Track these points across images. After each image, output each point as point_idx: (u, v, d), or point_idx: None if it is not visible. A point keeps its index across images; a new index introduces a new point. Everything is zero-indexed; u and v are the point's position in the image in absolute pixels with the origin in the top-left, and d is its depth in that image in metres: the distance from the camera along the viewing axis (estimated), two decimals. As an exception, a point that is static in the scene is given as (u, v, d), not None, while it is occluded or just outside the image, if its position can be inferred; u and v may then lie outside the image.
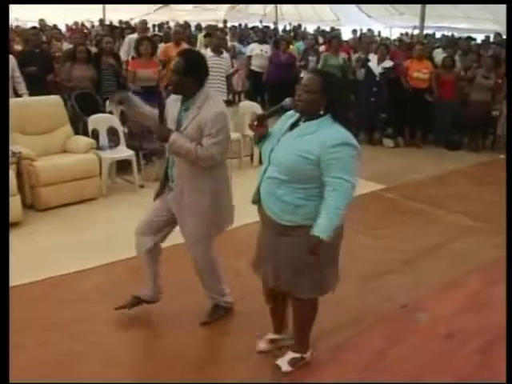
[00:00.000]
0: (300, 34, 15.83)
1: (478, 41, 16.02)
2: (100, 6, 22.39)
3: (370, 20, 27.39)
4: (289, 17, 27.12)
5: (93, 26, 20.66)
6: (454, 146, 10.07)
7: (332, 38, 11.62)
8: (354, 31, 18.36)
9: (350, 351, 4.01)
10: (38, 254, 5.33)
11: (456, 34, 21.78)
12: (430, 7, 21.65)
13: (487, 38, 19.66)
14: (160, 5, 28.11)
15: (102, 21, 18.37)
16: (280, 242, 3.40)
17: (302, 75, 11.05)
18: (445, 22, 24.31)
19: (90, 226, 6.01)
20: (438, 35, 22.54)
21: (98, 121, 7.22)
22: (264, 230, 3.57)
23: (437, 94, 9.84)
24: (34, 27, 11.29)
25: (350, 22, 25.91)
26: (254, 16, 28.06)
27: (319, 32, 18.46)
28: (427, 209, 6.93)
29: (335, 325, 4.26)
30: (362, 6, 26.27)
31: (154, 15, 26.37)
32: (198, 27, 18.43)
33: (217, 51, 8.66)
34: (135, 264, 4.37)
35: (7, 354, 2.66)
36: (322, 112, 3.24)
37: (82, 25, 19.77)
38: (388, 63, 10.09)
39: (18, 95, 8.12)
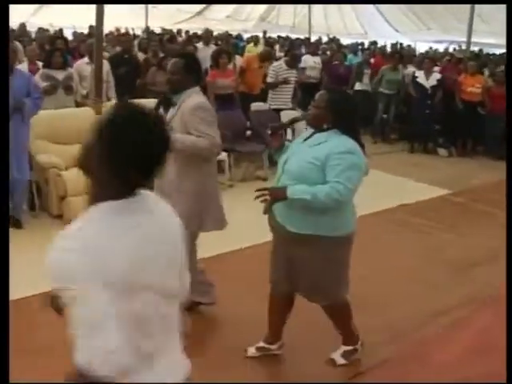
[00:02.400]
0: (351, 47, 16.46)
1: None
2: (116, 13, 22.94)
3: (396, 34, 27.97)
4: (318, 29, 27.73)
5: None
6: (503, 156, 10.66)
7: (394, 52, 12.29)
8: (394, 45, 18.95)
9: (463, 328, 4.63)
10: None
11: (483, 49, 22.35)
12: (459, 21, 22.31)
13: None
14: (192, 13, 28.85)
15: (147, 28, 19.02)
16: (294, 252, 3.57)
17: (356, 87, 11.75)
18: (473, 37, 24.96)
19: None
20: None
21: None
22: (275, 238, 3.74)
23: (489, 108, 10.48)
24: (127, 33, 11.86)
25: (376, 36, 26.51)
26: (283, 28, 28.71)
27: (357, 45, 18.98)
28: (495, 211, 7.53)
29: (444, 307, 4.89)
30: (389, 19, 26.94)
31: (186, 24, 27.10)
32: (239, 37, 19.09)
33: (291, 65, 9.31)
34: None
35: (7, 354, 2.71)
36: (327, 126, 3.47)
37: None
38: (437, 76, 10.77)
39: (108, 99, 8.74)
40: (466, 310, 4.89)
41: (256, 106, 9.37)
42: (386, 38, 25.18)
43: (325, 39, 23.33)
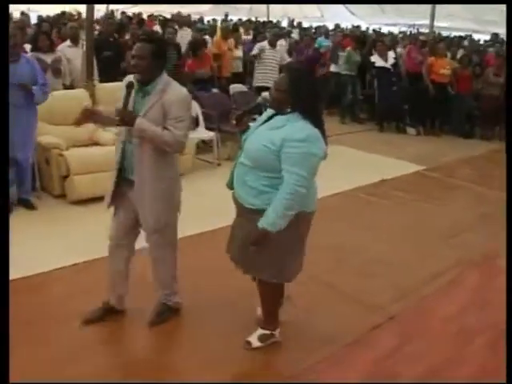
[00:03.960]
0: (322, 29, 16.88)
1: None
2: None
3: (352, 17, 28.51)
4: (274, 11, 27.99)
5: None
6: (468, 135, 11.31)
7: (357, 35, 12.79)
8: (356, 27, 19.49)
9: (458, 286, 5.10)
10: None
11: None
12: (414, 5, 22.87)
13: (468, 36, 21.12)
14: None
15: (112, 12, 19.07)
16: (243, 223, 3.63)
17: (331, 69, 12.18)
18: (425, 20, 25.59)
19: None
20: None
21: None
22: (236, 212, 3.79)
23: (455, 89, 11.06)
24: (111, 17, 11.94)
25: (333, 19, 26.95)
26: (240, 10, 28.88)
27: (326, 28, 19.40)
28: (469, 185, 8.14)
29: (438, 269, 5.38)
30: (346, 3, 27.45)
31: (143, 6, 26.91)
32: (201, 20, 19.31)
33: (272, 44, 9.71)
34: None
35: (7, 354, 2.77)
36: (289, 109, 3.44)
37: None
38: (392, 54, 11.56)
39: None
40: (458, 270, 5.39)
41: (235, 87, 9.69)
42: (342, 21, 25.70)
43: (284, 22, 23.62)
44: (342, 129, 11.25)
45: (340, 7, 27.68)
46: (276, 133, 3.40)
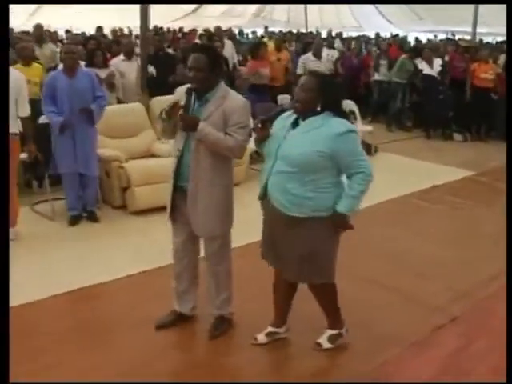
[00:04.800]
0: (362, 39, 17.06)
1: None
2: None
3: (390, 25, 28.46)
4: (313, 23, 28.15)
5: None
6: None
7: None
8: (396, 36, 19.60)
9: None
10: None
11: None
12: (451, 12, 22.82)
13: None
14: (188, 11, 29.16)
15: (156, 27, 19.41)
16: (290, 233, 3.62)
17: (374, 77, 12.29)
18: (463, 27, 25.48)
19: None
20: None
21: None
22: (270, 222, 3.79)
23: (501, 93, 11.06)
24: (156, 33, 12.28)
25: (370, 28, 27.01)
26: (277, 22, 29.09)
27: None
28: (519, 189, 8.13)
29: (494, 272, 5.38)
30: (383, 11, 27.42)
31: (181, 21, 27.36)
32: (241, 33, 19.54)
33: (317, 56, 9.88)
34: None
35: (7, 352, 2.78)
36: (318, 109, 3.50)
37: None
38: (438, 61, 11.67)
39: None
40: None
41: (284, 98, 9.85)
42: (380, 30, 25.70)
43: (323, 33, 23.72)
44: (388, 137, 11.37)
45: (376, 16, 27.67)
46: (318, 132, 3.48)
